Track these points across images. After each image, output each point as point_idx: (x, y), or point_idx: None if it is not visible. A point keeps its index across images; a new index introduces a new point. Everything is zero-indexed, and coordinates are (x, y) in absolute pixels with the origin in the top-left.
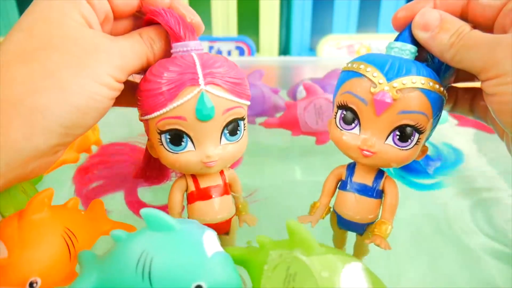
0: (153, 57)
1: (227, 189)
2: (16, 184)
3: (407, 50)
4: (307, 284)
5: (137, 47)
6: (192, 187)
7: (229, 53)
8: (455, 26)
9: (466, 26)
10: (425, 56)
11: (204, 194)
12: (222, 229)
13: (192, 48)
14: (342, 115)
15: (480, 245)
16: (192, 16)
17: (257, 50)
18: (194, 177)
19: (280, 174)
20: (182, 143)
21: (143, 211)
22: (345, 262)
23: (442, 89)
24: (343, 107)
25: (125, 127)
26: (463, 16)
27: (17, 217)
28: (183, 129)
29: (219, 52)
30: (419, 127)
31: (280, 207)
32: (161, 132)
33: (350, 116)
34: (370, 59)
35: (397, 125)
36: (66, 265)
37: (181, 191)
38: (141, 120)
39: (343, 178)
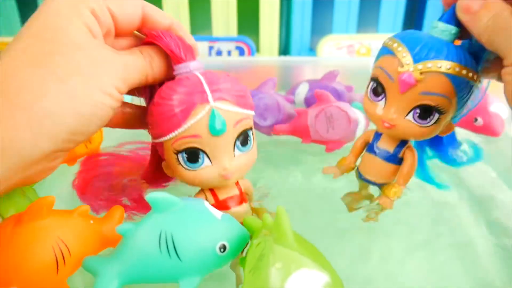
0: (152, 74)
1: (243, 197)
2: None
3: (447, 31)
4: (262, 268)
5: (139, 62)
6: (211, 200)
7: (229, 53)
8: (495, 9)
9: (506, 10)
10: (469, 36)
11: (223, 206)
12: None
13: (193, 68)
14: (373, 87)
15: (481, 245)
16: (189, 40)
17: (257, 50)
18: (212, 190)
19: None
20: (199, 160)
21: (148, 196)
22: (306, 266)
23: (471, 74)
24: (374, 79)
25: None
26: None
27: (14, 221)
28: (199, 146)
29: (219, 52)
30: (439, 108)
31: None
32: (177, 152)
33: (379, 89)
34: (405, 38)
35: (418, 104)
36: (52, 278)
37: None
38: (155, 143)
39: (370, 141)
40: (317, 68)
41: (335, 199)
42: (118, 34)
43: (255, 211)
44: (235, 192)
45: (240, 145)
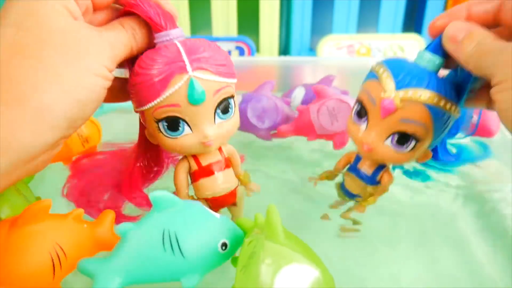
0: (136, 46)
1: (227, 163)
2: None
3: (432, 61)
4: (253, 265)
5: (122, 37)
6: (194, 166)
7: (229, 53)
8: (478, 37)
9: (489, 36)
10: (455, 65)
11: (206, 171)
12: (229, 201)
13: (174, 36)
14: (357, 109)
15: (478, 243)
16: (168, 7)
17: (257, 50)
18: (195, 157)
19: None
20: (180, 128)
21: (151, 195)
22: (296, 261)
23: (449, 105)
24: (359, 102)
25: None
26: (496, 23)
27: (9, 224)
28: (178, 115)
29: None
30: (416, 135)
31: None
32: (158, 121)
33: (362, 112)
34: (391, 64)
35: (396, 130)
36: (48, 283)
37: (185, 171)
38: (137, 112)
39: (351, 162)
40: (317, 68)
41: (328, 200)
42: (96, 9)
43: (240, 178)
44: (218, 157)
45: (220, 113)
